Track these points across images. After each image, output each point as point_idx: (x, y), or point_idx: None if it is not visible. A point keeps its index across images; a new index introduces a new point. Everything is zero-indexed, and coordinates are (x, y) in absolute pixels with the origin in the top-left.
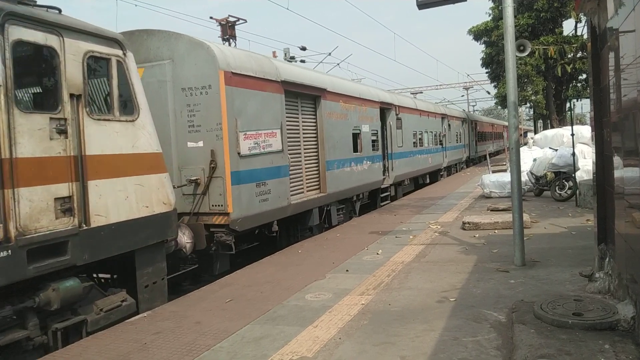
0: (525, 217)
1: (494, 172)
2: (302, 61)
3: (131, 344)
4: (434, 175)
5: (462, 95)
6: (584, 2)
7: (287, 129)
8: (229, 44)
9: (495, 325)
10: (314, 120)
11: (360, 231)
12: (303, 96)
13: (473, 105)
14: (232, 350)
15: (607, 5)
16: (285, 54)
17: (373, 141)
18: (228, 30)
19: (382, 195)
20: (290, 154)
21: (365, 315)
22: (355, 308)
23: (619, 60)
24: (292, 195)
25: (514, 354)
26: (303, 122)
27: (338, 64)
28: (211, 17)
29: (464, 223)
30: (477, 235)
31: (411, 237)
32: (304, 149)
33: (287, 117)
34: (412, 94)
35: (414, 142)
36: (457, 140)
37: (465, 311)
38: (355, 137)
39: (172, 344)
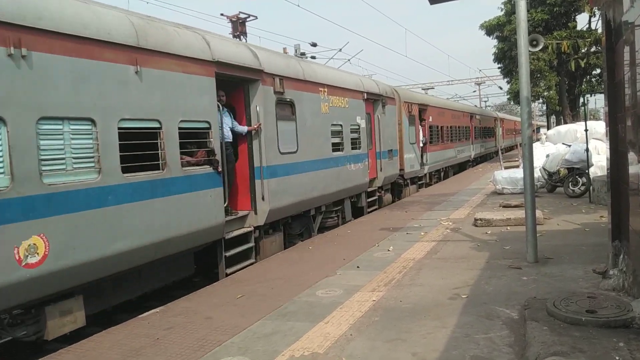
0: (538, 213)
1: (506, 168)
2: (313, 57)
3: (144, 339)
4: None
5: (474, 91)
6: None
7: None
8: (240, 40)
9: (508, 322)
10: None
11: (370, 228)
12: None
13: (485, 101)
14: (244, 346)
15: None
16: (296, 50)
17: None
18: (239, 26)
19: None
20: None
21: (376, 311)
22: (366, 304)
23: (634, 55)
24: None
25: (526, 351)
26: None
27: (349, 60)
28: (222, 14)
29: (475, 219)
30: (489, 232)
31: (422, 233)
32: None
33: None
34: (424, 89)
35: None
36: (342, 145)
37: (477, 308)
38: None
39: (184, 339)
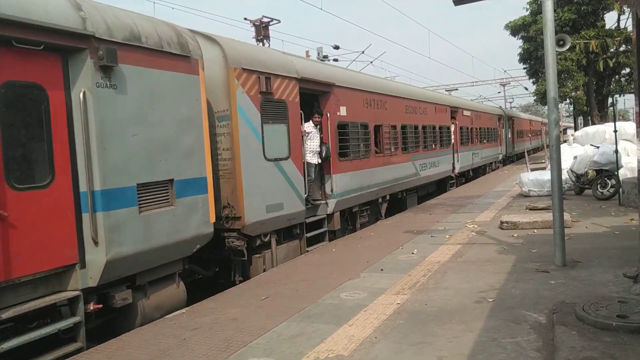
0: (566, 216)
1: (532, 170)
2: (335, 60)
3: (171, 340)
4: None
5: (499, 92)
6: None
7: None
8: (263, 44)
9: (535, 327)
10: None
11: (394, 230)
12: None
13: (510, 102)
14: (269, 347)
15: None
16: (319, 53)
17: None
18: (262, 30)
19: None
20: None
21: (401, 314)
22: (391, 307)
23: None
24: None
25: (555, 356)
26: None
27: (371, 62)
28: (245, 18)
29: (501, 222)
30: (515, 235)
31: (447, 236)
32: None
33: None
34: (447, 91)
35: None
36: None
37: (504, 312)
38: None
39: (210, 339)
